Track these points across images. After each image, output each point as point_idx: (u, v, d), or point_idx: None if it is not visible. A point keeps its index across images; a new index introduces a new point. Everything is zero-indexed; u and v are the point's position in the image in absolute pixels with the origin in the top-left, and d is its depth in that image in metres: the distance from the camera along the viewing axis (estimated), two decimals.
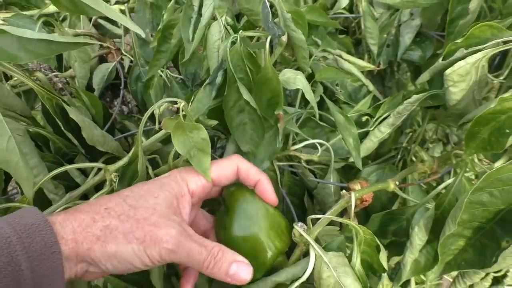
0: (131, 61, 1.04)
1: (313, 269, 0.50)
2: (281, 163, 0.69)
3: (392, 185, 0.61)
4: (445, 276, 1.29)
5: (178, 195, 0.50)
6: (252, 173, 0.55)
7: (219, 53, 0.63)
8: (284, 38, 0.63)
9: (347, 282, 0.48)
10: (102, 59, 1.14)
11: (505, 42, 0.48)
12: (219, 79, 0.60)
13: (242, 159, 0.56)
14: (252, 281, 0.51)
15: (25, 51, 0.41)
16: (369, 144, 0.65)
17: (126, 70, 1.06)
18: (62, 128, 0.59)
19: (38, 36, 0.40)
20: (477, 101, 0.54)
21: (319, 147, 0.67)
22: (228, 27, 0.66)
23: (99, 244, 0.44)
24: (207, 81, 0.60)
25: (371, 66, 0.79)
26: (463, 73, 0.49)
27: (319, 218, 0.53)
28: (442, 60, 0.54)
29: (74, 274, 0.44)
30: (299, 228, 0.51)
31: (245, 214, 0.53)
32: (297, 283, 0.49)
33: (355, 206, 0.59)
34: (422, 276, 1.10)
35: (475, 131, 0.48)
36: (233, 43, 0.59)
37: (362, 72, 0.81)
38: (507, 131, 0.45)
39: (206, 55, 0.64)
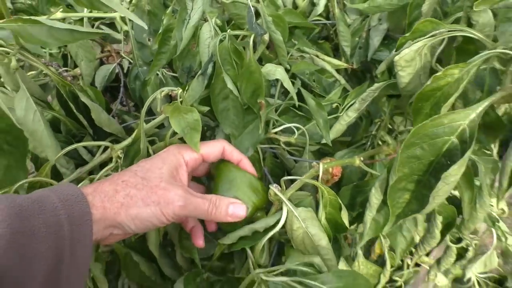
0: (130, 63, 1.14)
1: (286, 222, 0.59)
2: (263, 146, 0.79)
3: (357, 160, 0.70)
4: (422, 264, 1.38)
5: (177, 165, 0.61)
6: (236, 154, 0.66)
7: (210, 49, 0.73)
8: (266, 37, 0.73)
9: (314, 231, 0.57)
10: (102, 63, 1.24)
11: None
12: (209, 70, 0.70)
13: (228, 142, 0.67)
14: (233, 230, 0.62)
15: (53, 39, 0.51)
16: (339, 127, 0.74)
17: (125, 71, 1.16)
18: (74, 110, 0.68)
19: (64, 26, 0.50)
20: (424, 84, 0.64)
21: (295, 130, 0.76)
22: (217, 28, 0.76)
23: (123, 209, 0.54)
24: (200, 72, 0.70)
25: (344, 65, 0.89)
26: (408, 59, 0.59)
27: (293, 182, 0.63)
28: (395, 51, 0.64)
29: (100, 237, 0.54)
30: (274, 188, 0.61)
31: (227, 179, 0.64)
32: (271, 233, 0.58)
33: (327, 181, 0.69)
34: (399, 261, 1.20)
35: (419, 107, 0.57)
36: (222, 40, 0.69)
37: (339, 72, 0.91)
38: (443, 105, 0.55)
39: (199, 51, 0.74)
